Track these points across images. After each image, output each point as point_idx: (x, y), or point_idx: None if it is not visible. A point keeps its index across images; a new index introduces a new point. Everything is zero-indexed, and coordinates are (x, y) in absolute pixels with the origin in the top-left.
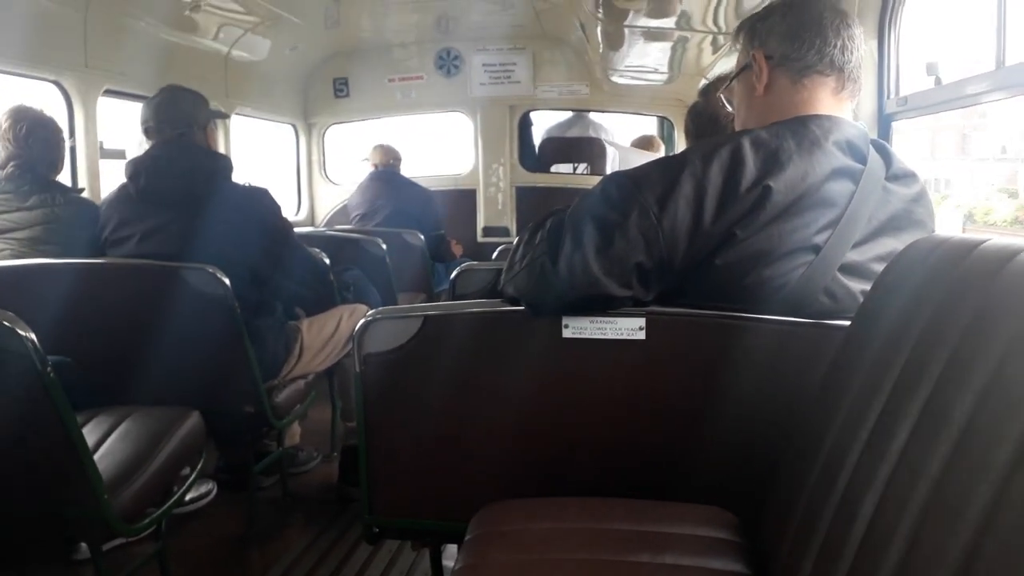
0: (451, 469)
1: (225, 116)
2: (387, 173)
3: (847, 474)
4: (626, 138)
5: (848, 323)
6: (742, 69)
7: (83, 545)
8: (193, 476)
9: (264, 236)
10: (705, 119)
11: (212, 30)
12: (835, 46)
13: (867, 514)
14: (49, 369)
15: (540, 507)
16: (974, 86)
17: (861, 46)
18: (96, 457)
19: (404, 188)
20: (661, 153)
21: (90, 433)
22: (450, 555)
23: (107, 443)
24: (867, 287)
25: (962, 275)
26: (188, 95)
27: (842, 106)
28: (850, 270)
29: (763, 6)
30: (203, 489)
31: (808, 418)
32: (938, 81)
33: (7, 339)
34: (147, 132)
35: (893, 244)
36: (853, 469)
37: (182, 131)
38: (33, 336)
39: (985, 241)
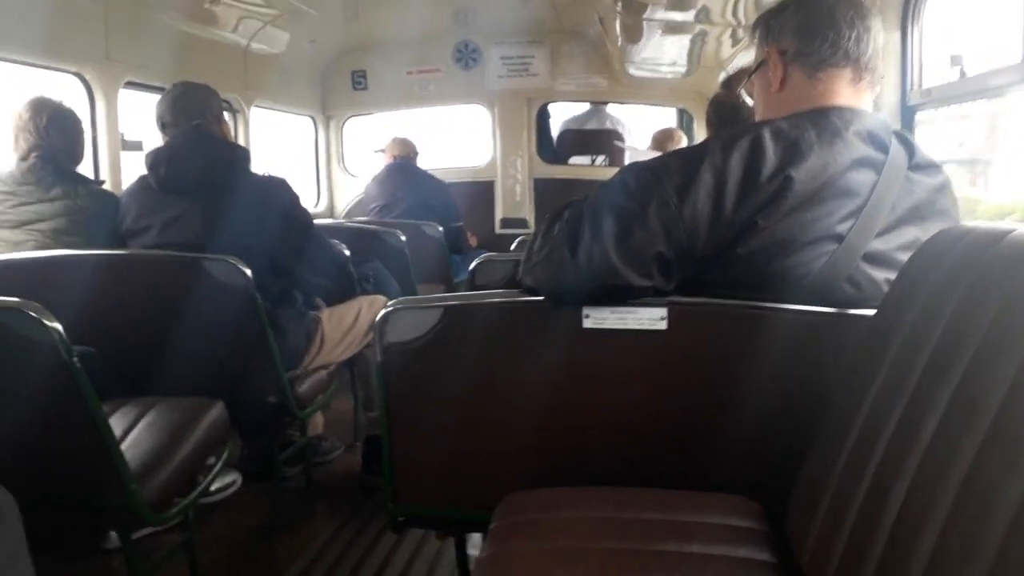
0: (474, 458)
1: (234, 110)
2: (405, 165)
3: (875, 463)
4: (644, 131)
5: (872, 312)
6: (759, 65)
7: (112, 535)
8: (219, 466)
9: (283, 225)
10: (727, 110)
11: (231, 23)
12: (849, 38)
13: (897, 503)
14: (75, 359)
15: (564, 496)
16: (999, 78)
17: (878, 35)
18: (123, 447)
19: (424, 180)
20: (681, 146)
21: (116, 423)
22: (475, 544)
23: (133, 433)
24: (891, 276)
25: (989, 264)
26: (199, 88)
27: (861, 96)
28: (874, 259)
29: (778, 1)
30: (228, 479)
31: (833, 406)
32: (962, 73)
33: (34, 330)
34: (163, 127)
35: (917, 233)
36: (881, 458)
37: (198, 122)
38: (59, 326)
39: (1012, 231)
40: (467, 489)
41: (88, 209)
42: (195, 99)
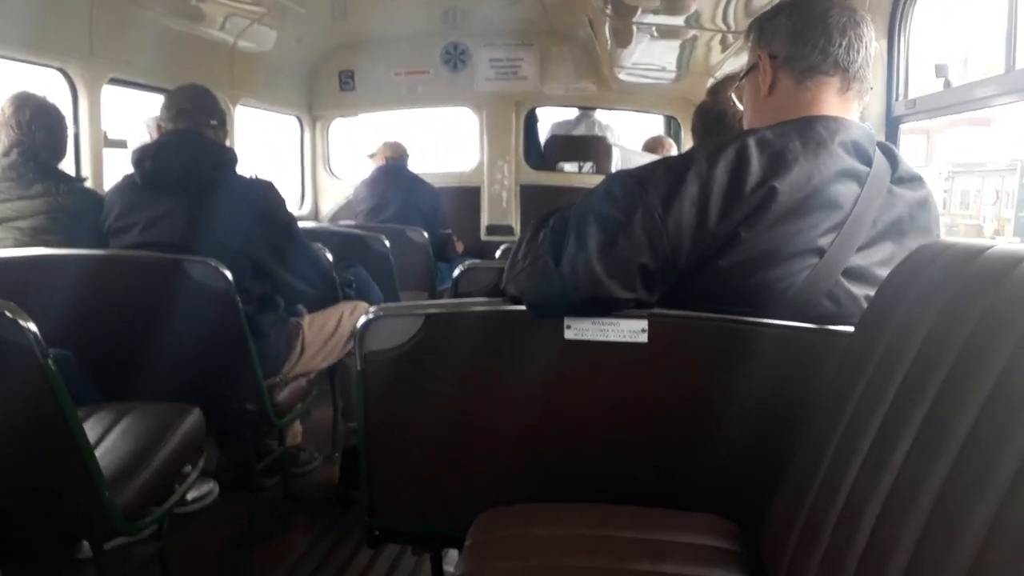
0: (452, 472)
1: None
2: (396, 167)
3: (848, 484)
4: (632, 137)
5: (851, 328)
6: (750, 69)
7: (85, 544)
8: (195, 474)
9: (268, 227)
10: (712, 118)
11: (219, 20)
12: (840, 45)
13: (868, 526)
14: (51, 361)
15: (541, 513)
16: (983, 89)
17: (870, 44)
18: (97, 453)
19: (414, 184)
20: (672, 153)
21: (91, 428)
22: (451, 560)
23: (108, 439)
24: (870, 292)
25: (967, 281)
26: (207, 94)
27: (848, 106)
28: (853, 274)
29: (772, 5)
30: (204, 489)
31: (811, 425)
32: (947, 84)
33: (8, 330)
34: (160, 125)
35: (895, 249)
36: (855, 479)
37: (192, 124)
38: (34, 327)
39: (990, 247)
40: (444, 504)
41: (69, 207)
42: (199, 101)
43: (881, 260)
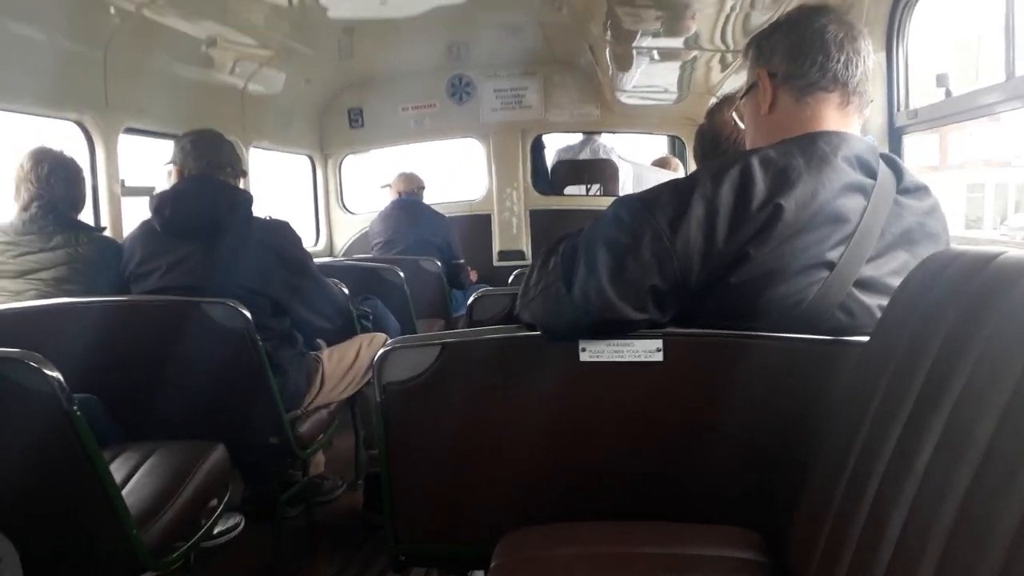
0: (474, 495)
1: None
2: (410, 202)
3: (872, 492)
4: (637, 159)
5: (866, 339)
6: (749, 88)
7: None
8: (220, 508)
9: (285, 267)
10: (707, 141)
11: (228, 65)
12: (838, 61)
13: (895, 533)
14: (76, 407)
15: (564, 532)
16: (985, 97)
17: (868, 58)
18: (124, 492)
19: (427, 217)
20: (679, 172)
21: (117, 469)
22: None
23: (134, 478)
24: (883, 302)
25: (979, 289)
26: (220, 138)
27: (849, 120)
28: (866, 285)
29: (769, 23)
30: (231, 522)
31: (830, 434)
32: (948, 93)
33: (34, 379)
34: (179, 170)
35: (907, 258)
36: (879, 487)
37: (212, 170)
38: (59, 375)
39: (1001, 254)
40: (468, 527)
41: (89, 257)
42: (218, 147)
43: (893, 270)
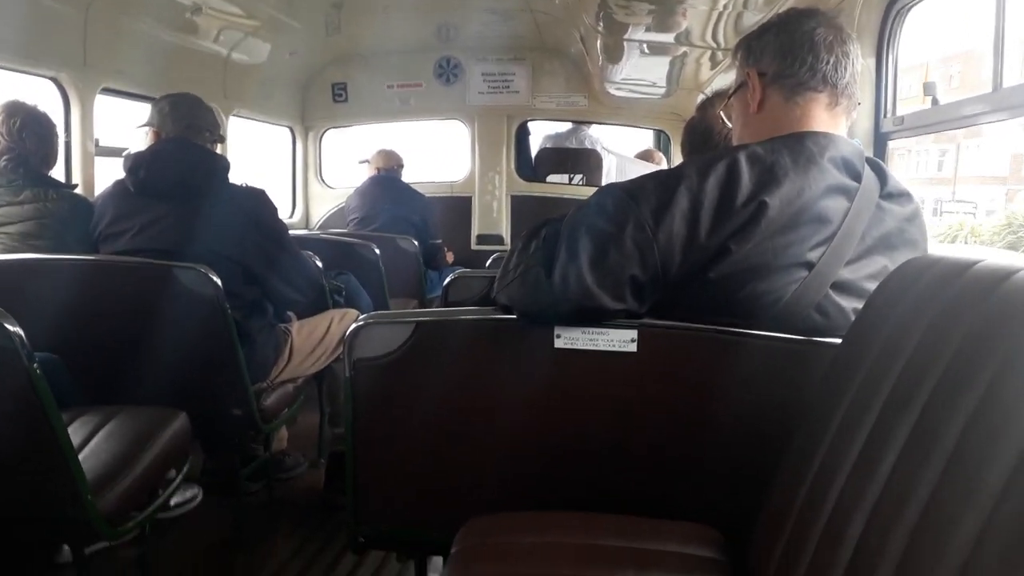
0: (439, 480)
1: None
2: (388, 178)
3: (835, 495)
4: (623, 152)
5: (839, 341)
6: (739, 87)
7: (65, 548)
8: (179, 479)
9: (260, 235)
10: (698, 134)
11: (212, 33)
12: (827, 62)
13: (855, 536)
14: (36, 365)
15: (527, 521)
16: (971, 107)
17: (857, 61)
18: (81, 457)
19: (405, 195)
20: (662, 165)
21: (75, 432)
22: (435, 567)
23: (92, 442)
24: (858, 305)
25: (955, 295)
26: (206, 107)
27: (837, 121)
28: (843, 287)
29: (760, 24)
30: (188, 494)
31: (798, 435)
32: (935, 102)
33: None
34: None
35: (886, 263)
36: (841, 490)
37: (191, 133)
38: (20, 330)
39: (979, 261)
40: (430, 511)
41: (58, 213)
42: (196, 111)
43: (871, 274)
